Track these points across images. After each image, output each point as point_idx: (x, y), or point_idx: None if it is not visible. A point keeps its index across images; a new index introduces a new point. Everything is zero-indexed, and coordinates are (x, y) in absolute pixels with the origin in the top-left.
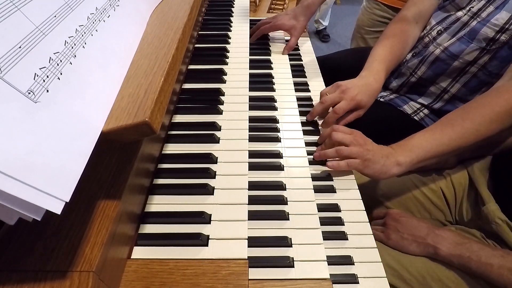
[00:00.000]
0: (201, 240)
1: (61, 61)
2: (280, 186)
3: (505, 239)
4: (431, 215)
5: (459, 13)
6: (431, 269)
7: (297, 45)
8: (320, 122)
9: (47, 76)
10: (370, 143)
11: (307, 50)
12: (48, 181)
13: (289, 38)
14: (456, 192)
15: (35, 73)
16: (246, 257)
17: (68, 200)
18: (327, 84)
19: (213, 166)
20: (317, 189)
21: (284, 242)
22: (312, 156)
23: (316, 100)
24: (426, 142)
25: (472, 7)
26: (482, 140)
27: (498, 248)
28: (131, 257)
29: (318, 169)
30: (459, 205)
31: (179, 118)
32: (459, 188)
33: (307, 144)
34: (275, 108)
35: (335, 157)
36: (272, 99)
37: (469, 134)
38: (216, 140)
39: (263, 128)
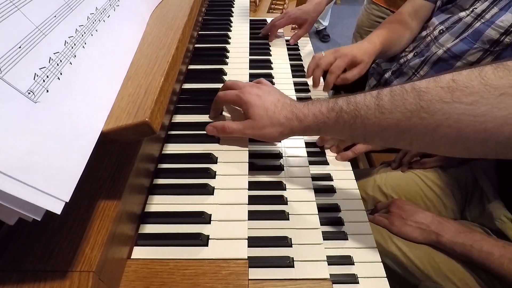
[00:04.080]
0: (201, 240)
1: (61, 61)
2: (280, 186)
3: (509, 237)
4: (441, 214)
5: (462, 14)
6: (432, 258)
7: (297, 45)
8: None
9: (47, 76)
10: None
11: (307, 50)
12: (48, 181)
13: (289, 38)
14: (463, 190)
15: (35, 73)
16: (246, 257)
17: (68, 200)
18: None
19: (213, 166)
20: (317, 189)
21: (284, 242)
22: (312, 158)
23: None
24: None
25: (476, 8)
26: None
27: (500, 240)
28: (131, 257)
29: (318, 169)
30: (465, 203)
31: (179, 118)
32: (466, 187)
33: (307, 144)
34: None
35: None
36: None
37: None
38: (216, 140)
39: None
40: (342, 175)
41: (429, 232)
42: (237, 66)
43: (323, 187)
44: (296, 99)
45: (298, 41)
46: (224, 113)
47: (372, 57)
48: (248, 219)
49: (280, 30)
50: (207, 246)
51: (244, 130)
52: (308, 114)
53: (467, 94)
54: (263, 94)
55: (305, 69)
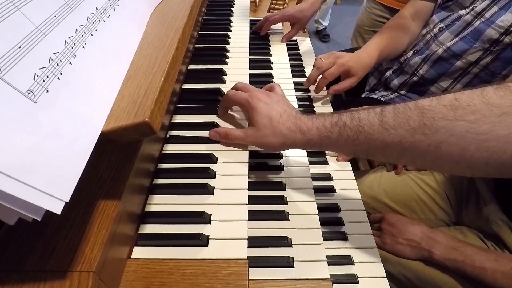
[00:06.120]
0: (201, 240)
1: (61, 61)
2: (280, 186)
3: (504, 240)
4: (436, 216)
5: (462, 12)
6: (427, 272)
7: (297, 45)
8: None
9: (47, 76)
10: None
11: (307, 50)
12: (48, 181)
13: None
14: (458, 192)
15: (35, 73)
16: (246, 257)
17: (68, 200)
18: (326, 86)
19: (213, 166)
20: (317, 189)
21: (284, 242)
22: (312, 158)
23: (316, 100)
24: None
25: (475, 6)
26: None
27: (492, 252)
28: (131, 257)
29: (318, 169)
30: (462, 206)
31: (179, 118)
32: (461, 189)
33: None
34: None
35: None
36: None
37: None
38: (216, 140)
39: None
40: (342, 175)
41: (420, 249)
42: (237, 66)
43: (323, 187)
44: (296, 98)
45: (298, 41)
46: (228, 112)
47: (367, 70)
48: (248, 219)
49: (279, 29)
50: (207, 246)
51: (246, 138)
52: (312, 128)
53: (470, 112)
54: (271, 102)
55: (305, 69)
